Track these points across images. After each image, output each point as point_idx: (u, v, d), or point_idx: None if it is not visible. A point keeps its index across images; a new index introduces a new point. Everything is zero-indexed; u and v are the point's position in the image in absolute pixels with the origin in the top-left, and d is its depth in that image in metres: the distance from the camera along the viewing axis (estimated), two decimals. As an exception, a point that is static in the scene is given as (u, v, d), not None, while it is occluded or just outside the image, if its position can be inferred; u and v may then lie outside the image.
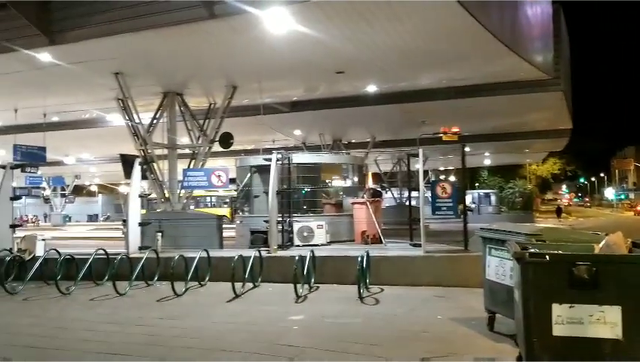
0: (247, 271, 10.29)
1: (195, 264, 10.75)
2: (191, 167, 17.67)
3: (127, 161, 15.53)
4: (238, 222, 17.71)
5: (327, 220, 15.44)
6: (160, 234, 13.72)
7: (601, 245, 5.30)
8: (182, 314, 8.63)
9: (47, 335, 7.61)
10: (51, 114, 22.59)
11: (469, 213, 15.60)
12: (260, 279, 11.03)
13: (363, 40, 13.48)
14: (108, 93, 17.29)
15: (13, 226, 13.75)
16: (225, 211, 38.06)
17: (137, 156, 16.10)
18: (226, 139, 18.96)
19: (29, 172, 19.37)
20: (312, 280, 10.56)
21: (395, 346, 6.55)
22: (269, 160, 13.59)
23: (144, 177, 16.15)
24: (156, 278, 11.57)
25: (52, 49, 13.48)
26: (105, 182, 60.51)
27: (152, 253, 11.89)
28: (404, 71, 17.13)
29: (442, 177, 45.55)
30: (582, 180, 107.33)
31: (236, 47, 13.83)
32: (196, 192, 24.55)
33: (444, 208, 12.51)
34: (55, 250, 12.62)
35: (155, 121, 17.75)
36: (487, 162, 49.83)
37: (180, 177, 17.34)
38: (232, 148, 20.12)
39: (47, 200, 49.87)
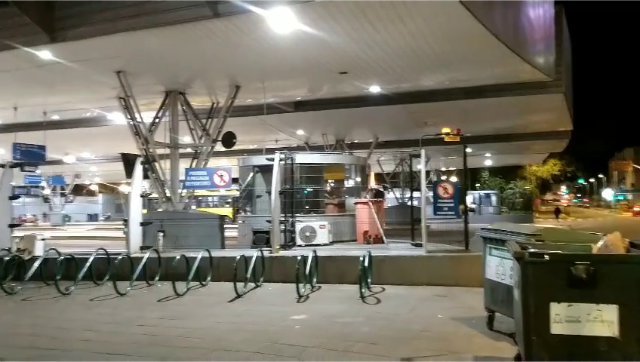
0: (249, 270, 10.33)
1: (196, 264, 10.79)
2: (193, 166, 17.69)
3: (128, 160, 15.53)
4: (240, 221, 17.75)
5: (329, 220, 15.50)
6: (161, 233, 13.78)
7: (599, 245, 5.34)
8: (183, 314, 8.66)
9: (46, 335, 7.62)
10: (52, 112, 22.61)
11: (470, 213, 15.63)
12: (262, 279, 11.06)
13: (366, 40, 13.50)
14: (110, 92, 17.33)
15: (12, 226, 13.77)
16: (227, 211, 38.07)
17: (139, 155, 16.14)
18: (229, 139, 18.97)
19: (28, 171, 19.32)
20: (314, 279, 10.60)
21: (396, 345, 6.58)
22: (272, 160, 13.64)
23: (145, 176, 16.19)
24: (157, 278, 11.61)
25: (53, 47, 13.50)
26: (105, 182, 60.56)
27: (154, 253, 11.90)
28: (407, 72, 17.15)
29: (444, 178, 45.57)
30: (581, 181, 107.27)
31: (240, 47, 13.86)
32: (198, 192, 24.57)
33: (446, 208, 12.55)
34: (55, 249, 12.64)
35: (157, 120, 17.79)
36: (489, 163, 49.82)
37: (182, 177, 17.37)
38: (234, 147, 20.13)
39: (46, 199, 49.82)
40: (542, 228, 6.43)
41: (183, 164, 18.07)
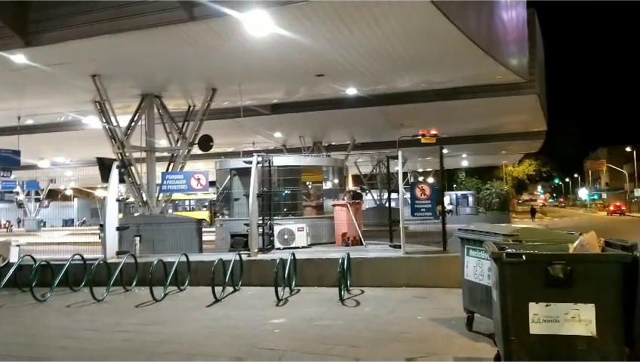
0: (228, 274, 10.27)
1: (174, 268, 10.70)
2: (170, 170, 17.54)
3: (104, 165, 15.33)
4: (217, 225, 17.64)
5: (307, 222, 15.50)
6: (138, 238, 13.61)
7: (575, 244, 5.41)
8: (161, 320, 8.58)
9: (22, 343, 7.49)
10: (26, 116, 22.23)
11: (447, 214, 15.75)
12: (240, 283, 11.01)
13: (342, 43, 13.54)
14: (85, 96, 17.09)
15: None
16: (204, 214, 37.83)
17: (115, 159, 15.94)
18: (206, 142, 18.83)
19: (2, 176, 18.96)
20: (293, 283, 10.58)
21: (375, 347, 6.60)
22: (250, 162, 13.58)
23: (122, 181, 16.00)
24: (134, 283, 11.49)
25: (28, 50, 13.22)
26: (81, 186, 59.63)
27: (130, 258, 11.76)
28: (383, 74, 17.24)
29: (421, 179, 45.91)
30: (557, 181, 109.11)
31: (216, 50, 13.78)
32: (175, 195, 24.35)
33: (423, 209, 12.61)
34: (30, 255, 12.43)
35: (132, 124, 17.56)
36: (465, 164, 50.36)
37: (158, 180, 17.20)
38: (211, 150, 20.00)
39: (20, 204, 48.99)
40: (519, 228, 6.49)
41: (160, 168, 17.89)
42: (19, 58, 13.62)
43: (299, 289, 10.58)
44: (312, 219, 16.57)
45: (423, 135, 22.13)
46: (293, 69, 15.95)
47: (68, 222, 57.84)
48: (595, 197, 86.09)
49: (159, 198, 17.46)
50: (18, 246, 13.74)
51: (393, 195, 17.66)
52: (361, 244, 14.59)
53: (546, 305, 4.70)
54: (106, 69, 15.32)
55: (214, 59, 14.74)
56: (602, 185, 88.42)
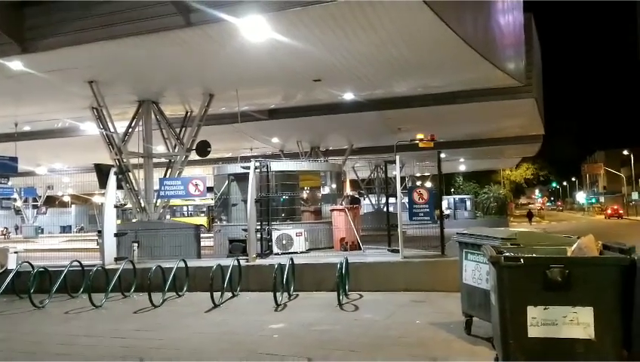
0: (226, 280, 10.25)
1: (172, 274, 10.67)
2: (167, 176, 17.53)
3: (101, 171, 15.31)
4: (216, 230, 17.61)
5: (305, 228, 15.48)
6: (136, 244, 13.59)
7: (573, 248, 5.42)
8: (160, 326, 8.55)
9: (20, 350, 7.46)
10: (23, 123, 22.21)
11: (445, 218, 15.76)
12: (239, 288, 10.99)
13: (339, 48, 13.58)
14: (82, 102, 17.08)
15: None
16: (202, 220, 37.77)
17: (112, 165, 15.92)
18: (203, 148, 18.84)
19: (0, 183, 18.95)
20: (292, 288, 10.56)
21: (374, 352, 6.59)
22: (248, 168, 13.58)
23: (119, 187, 15.97)
24: (133, 289, 11.44)
25: (24, 57, 13.24)
26: (78, 193, 59.46)
27: (129, 264, 11.75)
28: (380, 78, 17.27)
29: (419, 183, 45.93)
30: (554, 185, 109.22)
31: (213, 55, 13.81)
32: (173, 201, 24.33)
33: (421, 214, 12.60)
34: (28, 262, 12.40)
35: (130, 130, 17.56)
36: (463, 168, 50.42)
37: (156, 186, 17.18)
38: (209, 156, 20.02)
39: (18, 211, 48.92)
40: (517, 232, 6.50)
41: (157, 174, 17.88)
42: (15, 65, 13.64)
43: (297, 295, 10.56)
44: (311, 224, 16.56)
45: (421, 139, 22.17)
46: (290, 74, 15.99)
47: (66, 229, 57.65)
48: (593, 200, 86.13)
49: (157, 204, 17.44)
50: (16, 252, 13.67)
51: (391, 200, 17.67)
52: (360, 249, 14.57)
53: (545, 309, 4.70)
54: (102, 76, 15.33)
55: (211, 65, 14.77)
56: (600, 188, 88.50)
